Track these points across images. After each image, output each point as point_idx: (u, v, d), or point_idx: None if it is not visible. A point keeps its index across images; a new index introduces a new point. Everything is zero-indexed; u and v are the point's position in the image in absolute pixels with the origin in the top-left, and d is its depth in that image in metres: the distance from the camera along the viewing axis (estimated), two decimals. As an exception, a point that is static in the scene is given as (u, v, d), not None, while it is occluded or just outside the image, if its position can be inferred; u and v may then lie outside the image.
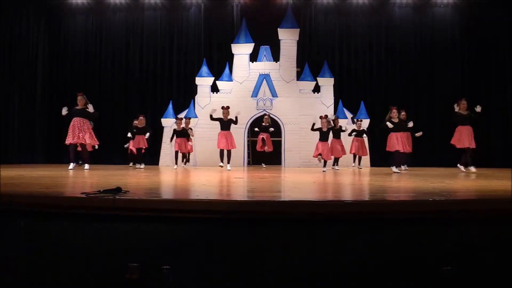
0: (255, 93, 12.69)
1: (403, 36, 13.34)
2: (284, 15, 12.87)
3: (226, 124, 10.18)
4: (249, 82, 12.76)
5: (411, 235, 3.35)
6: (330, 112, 12.40)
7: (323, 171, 9.36)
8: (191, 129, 11.36)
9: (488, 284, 3.33)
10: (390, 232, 3.35)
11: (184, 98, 13.06)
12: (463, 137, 9.01)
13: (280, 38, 12.81)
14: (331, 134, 10.34)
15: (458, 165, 9.17)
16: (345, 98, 12.85)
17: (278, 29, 12.76)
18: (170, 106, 12.69)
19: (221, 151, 10.21)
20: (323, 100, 12.65)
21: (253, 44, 12.77)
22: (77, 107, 9.25)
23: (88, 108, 9.10)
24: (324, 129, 9.84)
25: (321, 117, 9.94)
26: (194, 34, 13.46)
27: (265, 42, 12.93)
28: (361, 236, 3.34)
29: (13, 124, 12.39)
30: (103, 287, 3.32)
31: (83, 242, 3.40)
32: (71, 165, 9.01)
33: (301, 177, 7.37)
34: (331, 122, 10.23)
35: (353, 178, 7.40)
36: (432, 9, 13.39)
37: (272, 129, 11.77)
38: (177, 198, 3.98)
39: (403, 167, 10.09)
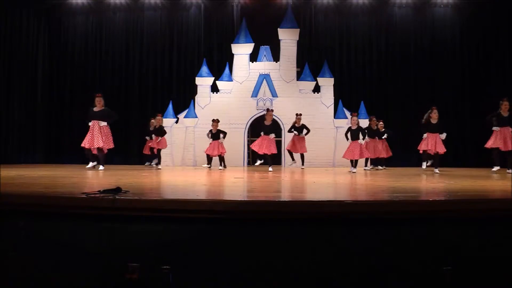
0: (255, 93, 12.68)
1: (403, 36, 13.32)
2: (284, 15, 12.86)
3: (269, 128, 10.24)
4: (249, 82, 12.76)
5: (411, 235, 3.35)
6: (330, 112, 12.41)
7: (354, 171, 9.21)
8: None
9: (488, 284, 3.33)
10: (389, 232, 3.35)
11: (184, 98, 13.05)
12: (503, 140, 8.85)
13: (280, 38, 12.80)
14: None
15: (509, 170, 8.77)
16: (345, 98, 12.83)
17: (278, 29, 12.75)
18: (170, 106, 12.68)
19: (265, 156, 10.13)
20: (323, 100, 12.64)
21: (253, 44, 12.76)
22: (95, 109, 9.29)
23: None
24: (354, 127, 9.65)
25: (352, 115, 9.81)
26: (194, 34, 13.45)
27: (265, 42, 12.91)
28: (361, 236, 3.34)
29: (13, 124, 12.39)
30: (103, 287, 3.32)
31: (83, 242, 3.40)
32: (90, 164, 9.16)
33: (301, 177, 7.36)
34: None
35: (353, 178, 7.39)
36: (432, 9, 13.38)
37: (305, 131, 11.11)
38: (177, 198, 3.97)
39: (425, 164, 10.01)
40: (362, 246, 3.31)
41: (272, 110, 10.82)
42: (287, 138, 12.59)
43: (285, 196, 4.28)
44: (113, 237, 3.37)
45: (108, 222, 3.38)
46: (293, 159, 10.99)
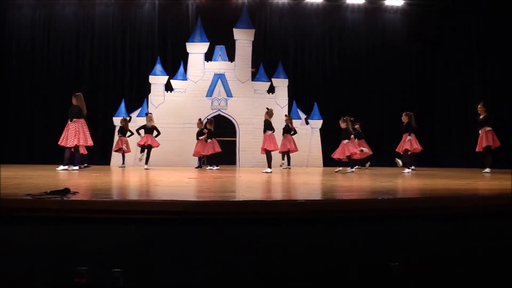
0: (210, 93, 12.64)
1: (355, 38, 13.69)
2: (240, 15, 12.89)
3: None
4: (204, 82, 12.70)
5: (359, 232, 3.45)
6: (284, 113, 12.52)
7: (352, 171, 9.42)
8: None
9: (435, 279, 3.48)
10: (338, 229, 3.43)
11: (137, 96, 12.80)
12: (480, 140, 9.37)
13: (235, 38, 12.83)
14: None
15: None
16: (299, 99, 13.03)
17: (234, 29, 12.77)
18: (123, 104, 12.41)
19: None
20: (277, 100, 12.77)
21: (208, 43, 12.71)
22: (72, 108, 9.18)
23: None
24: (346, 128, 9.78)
25: (343, 117, 9.81)
26: (148, 32, 13.22)
27: (221, 41, 12.90)
28: (313, 235, 3.40)
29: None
30: (50, 292, 3.21)
31: (29, 245, 3.27)
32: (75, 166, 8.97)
33: (255, 177, 7.41)
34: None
35: (306, 178, 7.52)
36: (382, 14, 13.83)
37: (293, 131, 11.18)
38: (128, 199, 3.90)
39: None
40: (314, 245, 3.37)
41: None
42: (241, 138, 12.64)
43: (239, 196, 4.29)
44: (61, 240, 3.26)
45: (55, 225, 3.27)
46: (283, 160, 11.04)
